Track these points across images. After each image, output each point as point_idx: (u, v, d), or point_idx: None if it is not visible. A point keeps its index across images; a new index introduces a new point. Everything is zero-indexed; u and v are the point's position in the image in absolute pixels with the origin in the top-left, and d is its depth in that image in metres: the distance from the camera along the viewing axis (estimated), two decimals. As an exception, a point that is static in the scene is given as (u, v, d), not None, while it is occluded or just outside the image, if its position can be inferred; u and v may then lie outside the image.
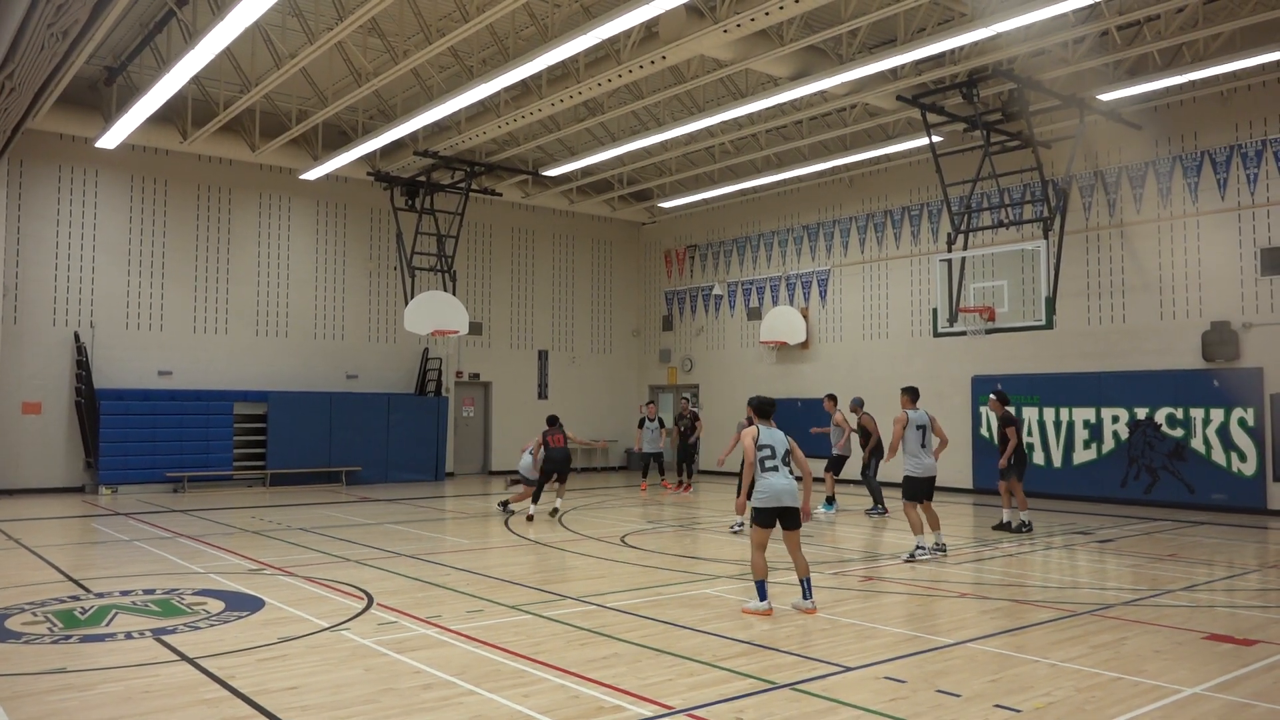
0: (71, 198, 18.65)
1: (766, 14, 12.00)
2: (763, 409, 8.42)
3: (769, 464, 7.94)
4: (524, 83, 16.01)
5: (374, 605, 7.97)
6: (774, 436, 8.13)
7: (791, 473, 7.99)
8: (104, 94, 17.49)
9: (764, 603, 7.70)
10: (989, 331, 15.77)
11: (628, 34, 13.83)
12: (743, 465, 8.17)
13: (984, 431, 18.37)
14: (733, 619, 7.52)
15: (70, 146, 18.54)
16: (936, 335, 16.51)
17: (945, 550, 10.76)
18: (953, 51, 14.53)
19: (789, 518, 7.84)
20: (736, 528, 12.87)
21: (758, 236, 23.65)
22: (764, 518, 7.82)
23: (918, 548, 10.50)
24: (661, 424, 19.29)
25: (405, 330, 19.92)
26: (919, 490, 10.62)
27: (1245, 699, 5.47)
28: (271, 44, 14.61)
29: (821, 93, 15.93)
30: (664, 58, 13.70)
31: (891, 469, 12.78)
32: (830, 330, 21.79)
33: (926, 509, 10.62)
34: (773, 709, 5.25)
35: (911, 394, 11.00)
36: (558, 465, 14.17)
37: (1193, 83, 15.49)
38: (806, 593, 7.82)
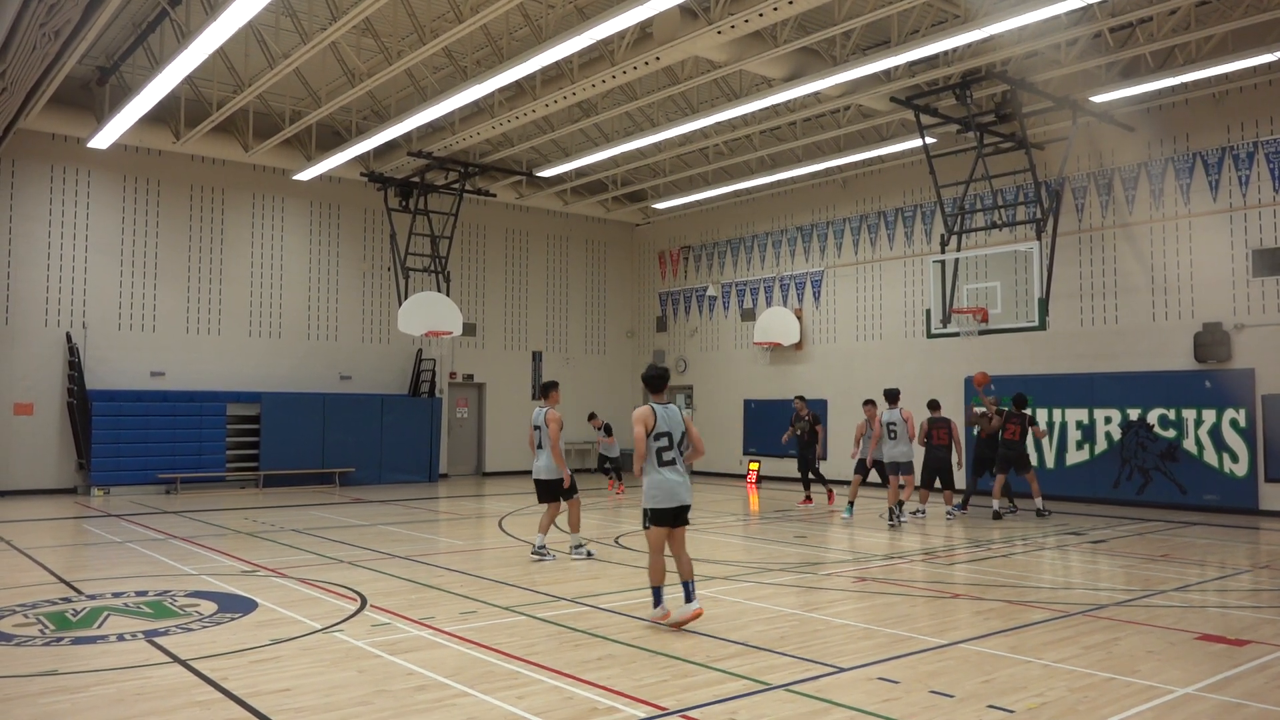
0: (64, 198, 18.59)
1: (760, 15, 12.01)
2: (654, 382, 7.38)
3: (666, 456, 7.16)
4: (518, 83, 16.01)
5: (367, 607, 7.95)
6: (670, 418, 7.22)
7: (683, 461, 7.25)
8: (96, 94, 17.44)
9: (660, 609, 7.21)
10: (982, 333, 15.79)
11: (622, 35, 13.83)
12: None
13: (975, 433, 18.38)
14: (726, 620, 7.51)
15: (62, 146, 18.48)
16: (930, 336, 16.52)
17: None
18: (946, 53, 14.57)
19: (684, 514, 7.24)
20: (576, 552, 10.69)
21: (751, 238, 23.67)
22: (664, 518, 7.17)
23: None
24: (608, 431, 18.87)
25: (399, 331, 19.92)
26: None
27: (1237, 699, 5.49)
28: (265, 44, 14.58)
29: (815, 94, 15.95)
30: (658, 59, 13.71)
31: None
32: (824, 331, 21.82)
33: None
34: (766, 710, 5.25)
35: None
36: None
37: (1185, 85, 15.56)
38: (689, 595, 7.18)
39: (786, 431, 17.28)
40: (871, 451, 14.32)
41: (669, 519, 7.21)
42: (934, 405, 14.98)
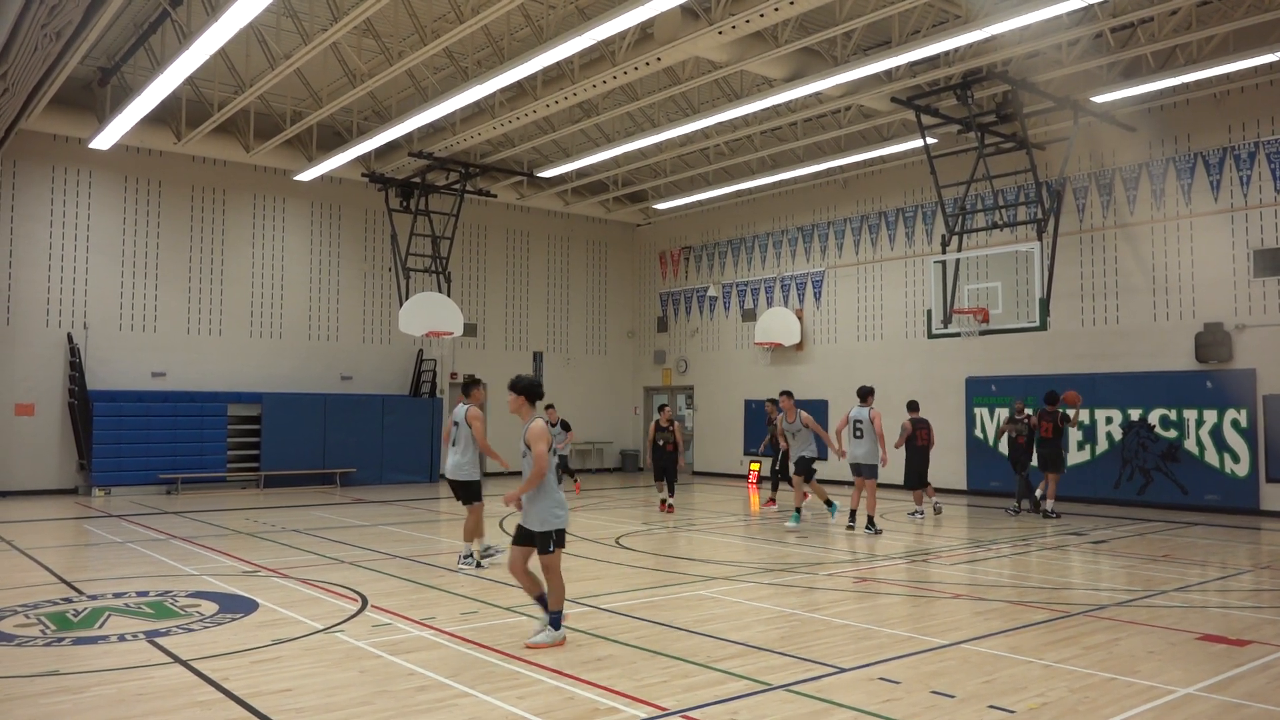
0: (65, 198, 18.60)
1: (761, 15, 12.02)
2: (536, 390, 6.88)
3: (556, 472, 6.85)
4: (519, 84, 16.02)
5: (368, 607, 7.96)
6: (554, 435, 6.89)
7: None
8: (98, 95, 17.45)
9: (561, 632, 6.73)
10: (983, 333, 15.79)
11: (623, 35, 13.84)
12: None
13: (978, 433, 18.40)
14: (727, 620, 7.51)
15: (64, 147, 18.49)
16: (931, 337, 16.51)
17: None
18: (947, 53, 14.57)
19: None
20: (493, 554, 10.38)
21: (752, 238, 23.66)
22: (562, 538, 6.78)
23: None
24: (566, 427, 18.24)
25: (400, 331, 19.92)
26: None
27: (1238, 699, 5.48)
28: (266, 45, 14.59)
29: (816, 94, 15.95)
30: (659, 59, 13.71)
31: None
32: (825, 332, 21.81)
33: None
34: (767, 710, 5.25)
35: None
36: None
37: (1186, 85, 15.55)
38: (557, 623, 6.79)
39: (765, 439, 17.44)
40: (840, 449, 13.42)
41: (563, 539, 6.84)
42: (913, 406, 15.03)
